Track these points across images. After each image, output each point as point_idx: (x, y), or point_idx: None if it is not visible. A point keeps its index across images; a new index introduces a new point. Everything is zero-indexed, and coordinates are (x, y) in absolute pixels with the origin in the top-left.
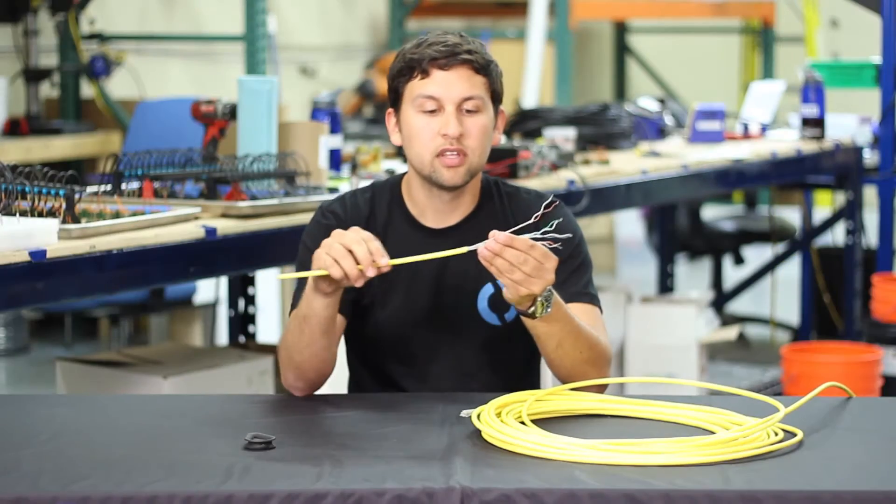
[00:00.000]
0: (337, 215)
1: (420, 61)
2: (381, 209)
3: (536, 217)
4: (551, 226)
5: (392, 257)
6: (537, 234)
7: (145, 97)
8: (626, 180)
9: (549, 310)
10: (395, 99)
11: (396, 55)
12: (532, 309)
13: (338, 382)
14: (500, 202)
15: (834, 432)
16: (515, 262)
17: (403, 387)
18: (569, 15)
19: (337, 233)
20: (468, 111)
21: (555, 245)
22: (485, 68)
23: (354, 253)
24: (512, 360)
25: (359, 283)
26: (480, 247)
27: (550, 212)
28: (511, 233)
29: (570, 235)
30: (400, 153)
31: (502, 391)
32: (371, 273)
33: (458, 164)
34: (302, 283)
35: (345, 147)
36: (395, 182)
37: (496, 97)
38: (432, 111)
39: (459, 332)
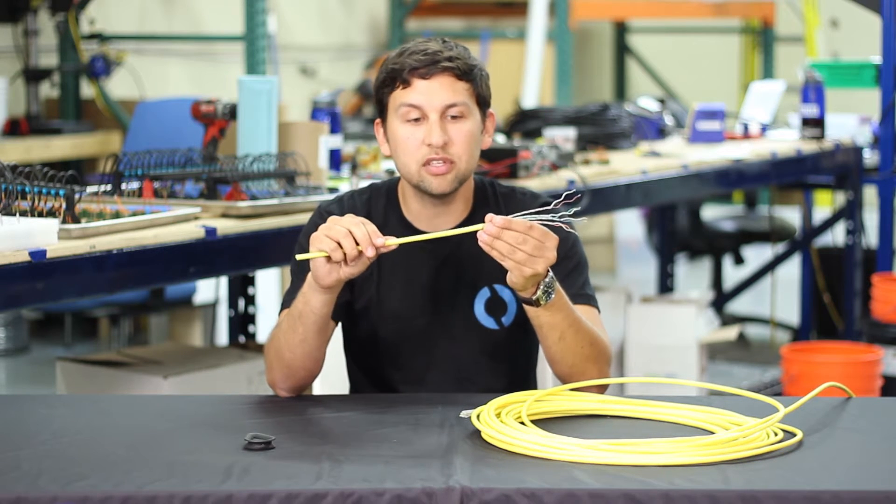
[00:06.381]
0: (334, 216)
1: (401, 71)
2: (377, 211)
3: (557, 203)
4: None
5: (387, 262)
6: (537, 216)
7: (145, 97)
8: (626, 180)
9: (552, 296)
10: (381, 109)
11: (381, 65)
12: (536, 295)
13: (337, 385)
14: (495, 204)
15: (833, 432)
16: (515, 243)
17: (402, 392)
18: (569, 15)
19: (334, 218)
20: (453, 118)
21: (556, 223)
22: (467, 74)
23: (353, 234)
24: (510, 366)
25: (358, 269)
26: (480, 232)
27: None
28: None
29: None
30: None
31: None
32: (370, 253)
33: (444, 172)
34: (296, 283)
35: (345, 147)
36: (392, 185)
37: (482, 101)
38: (416, 120)
39: (457, 337)
